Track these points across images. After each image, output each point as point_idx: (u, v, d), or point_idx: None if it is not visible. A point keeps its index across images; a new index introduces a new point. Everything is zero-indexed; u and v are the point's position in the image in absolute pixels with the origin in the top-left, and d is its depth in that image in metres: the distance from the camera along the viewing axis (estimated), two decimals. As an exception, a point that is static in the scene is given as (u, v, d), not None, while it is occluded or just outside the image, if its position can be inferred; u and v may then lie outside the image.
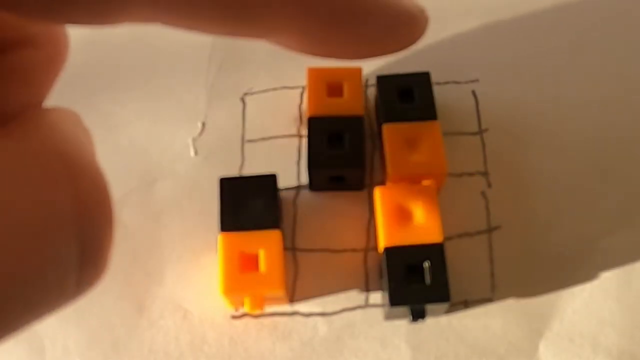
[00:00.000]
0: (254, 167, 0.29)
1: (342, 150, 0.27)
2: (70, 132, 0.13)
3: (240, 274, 0.24)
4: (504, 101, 0.30)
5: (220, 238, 0.25)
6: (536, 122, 0.30)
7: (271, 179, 0.26)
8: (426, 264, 0.24)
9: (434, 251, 0.24)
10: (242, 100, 0.30)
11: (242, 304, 0.25)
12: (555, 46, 0.32)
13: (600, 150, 0.29)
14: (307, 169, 0.27)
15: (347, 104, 0.28)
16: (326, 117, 0.27)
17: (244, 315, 0.26)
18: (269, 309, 0.26)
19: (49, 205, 0.11)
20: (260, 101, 0.30)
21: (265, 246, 0.24)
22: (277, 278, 0.24)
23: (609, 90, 0.30)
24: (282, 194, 0.28)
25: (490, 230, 0.27)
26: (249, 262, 0.24)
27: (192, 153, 0.29)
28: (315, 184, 0.28)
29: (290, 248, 0.27)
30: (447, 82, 0.30)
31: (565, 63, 0.31)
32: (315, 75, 0.28)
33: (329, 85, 0.28)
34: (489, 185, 0.28)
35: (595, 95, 0.30)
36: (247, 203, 0.25)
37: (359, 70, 0.28)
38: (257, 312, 0.25)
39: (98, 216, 0.13)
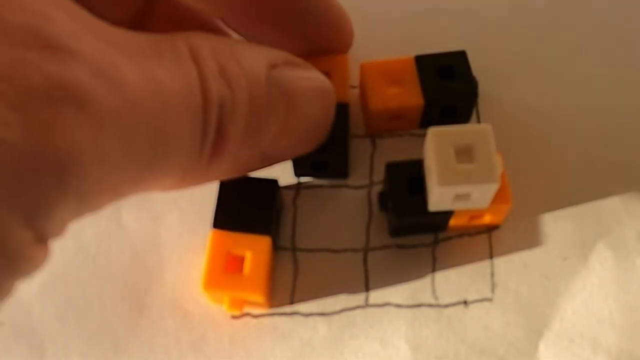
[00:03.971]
0: (254, 167, 0.29)
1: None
2: None
3: (224, 273, 0.24)
4: (504, 101, 0.30)
5: (210, 234, 0.25)
6: (537, 122, 0.30)
7: (272, 184, 0.26)
8: None
9: None
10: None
11: (222, 302, 0.25)
12: (556, 46, 0.32)
13: (601, 149, 0.29)
14: None
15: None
16: None
17: (244, 315, 0.26)
18: (269, 310, 0.26)
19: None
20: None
21: (253, 250, 0.24)
22: (258, 283, 0.24)
23: (611, 90, 0.30)
24: (282, 193, 0.28)
25: (490, 230, 0.27)
26: (234, 263, 0.25)
27: (192, 153, 0.29)
28: (298, 170, 0.28)
29: (290, 248, 0.27)
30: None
31: (567, 63, 0.31)
32: None
33: None
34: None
35: (597, 95, 0.30)
36: (243, 204, 0.25)
37: (345, 58, 0.28)
38: (235, 312, 0.26)
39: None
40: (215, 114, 0.17)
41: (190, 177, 0.18)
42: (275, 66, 0.20)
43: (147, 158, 0.15)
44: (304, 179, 0.29)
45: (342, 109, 0.27)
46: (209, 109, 0.17)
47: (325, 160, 0.27)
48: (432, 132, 0.23)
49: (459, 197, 0.24)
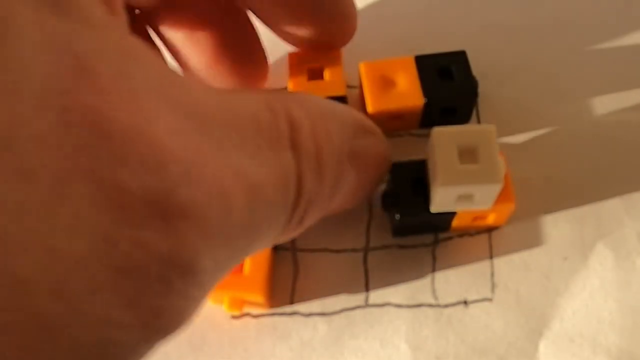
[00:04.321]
0: (254, 167, 0.29)
1: None
2: None
3: None
4: (504, 101, 0.30)
5: None
6: (536, 122, 0.30)
7: None
8: None
9: None
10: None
11: (222, 302, 0.25)
12: (557, 46, 0.32)
13: (601, 149, 0.29)
14: None
15: (328, 85, 0.28)
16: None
17: (244, 315, 0.26)
18: (269, 309, 0.26)
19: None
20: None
21: None
22: (259, 284, 0.24)
23: (611, 89, 0.30)
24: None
25: (490, 230, 0.27)
26: None
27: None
28: None
29: (290, 248, 0.27)
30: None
31: (567, 63, 0.31)
32: (295, 59, 0.28)
33: (309, 70, 0.28)
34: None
35: (597, 95, 0.30)
36: None
37: (339, 53, 0.28)
38: (235, 312, 0.26)
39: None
40: (303, 207, 0.17)
41: (276, 240, 0.19)
42: (357, 136, 0.20)
43: (242, 249, 0.15)
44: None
45: (340, 102, 0.27)
46: (298, 205, 0.16)
47: None
48: (436, 132, 0.23)
49: (461, 197, 0.24)
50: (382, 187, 0.28)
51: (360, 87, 0.28)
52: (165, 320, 0.13)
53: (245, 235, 0.15)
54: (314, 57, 0.28)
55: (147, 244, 0.12)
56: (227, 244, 0.14)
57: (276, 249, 0.27)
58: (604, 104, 0.30)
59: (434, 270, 0.27)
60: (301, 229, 0.19)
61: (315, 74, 0.28)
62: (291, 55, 0.28)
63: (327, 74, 0.28)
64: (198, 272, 0.13)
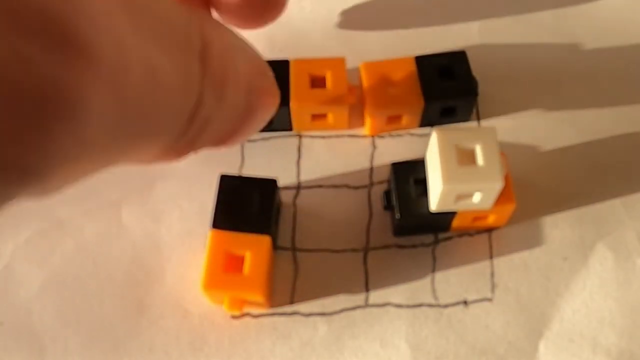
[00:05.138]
0: (254, 167, 0.29)
1: None
2: None
3: (223, 273, 0.24)
4: (504, 101, 0.30)
5: (210, 234, 0.25)
6: (536, 122, 0.30)
7: (271, 183, 0.26)
8: None
9: None
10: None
11: (222, 303, 0.25)
12: (556, 46, 0.32)
13: (601, 150, 0.29)
14: None
15: (330, 93, 0.28)
16: None
17: (244, 315, 0.26)
18: (269, 309, 0.26)
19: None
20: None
21: (253, 250, 0.24)
22: (258, 283, 0.24)
23: (610, 90, 0.30)
24: (282, 193, 0.28)
25: (490, 230, 0.27)
26: (234, 263, 0.25)
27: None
28: None
29: (290, 248, 0.27)
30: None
31: (566, 63, 0.31)
32: (298, 66, 0.28)
33: (312, 77, 0.28)
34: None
35: (596, 95, 0.30)
36: (243, 204, 0.25)
37: (342, 60, 0.28)
38: (235, 312, 0.26)
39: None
40: (199, 124, 0.17)
41: (166, 154, 0.17)
42: (258, 78, 0.20)
43: (135, 128, 0.15)
44: (304, 179, 0.29)
45: (281, 66, 0.28)
46: (195, 119, 0.16)
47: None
48: (437, 132, 0.23)
49: (462, 197, 0.24)
50: (384, 187, 0.28)
51: (361, 87, 0.28)
52: (27, 161, 0.11)
53: (137, 115, 0.14)
54: (318, 64, 0.28)
55: (30, 60, 0.11)
56: (118, 109, 0.13)
57: (276, 248, 0.27)
58: (606, 103, 0.30)
59: (434, 270, 0.27)
60: (190, 150, 0.18)
61: (318, 82, 0.28)
62: (293, 63, 0.28)
63: (329, 82, 0.28)
64: (79, 118, 0.12)
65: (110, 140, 0.13)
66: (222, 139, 0.20)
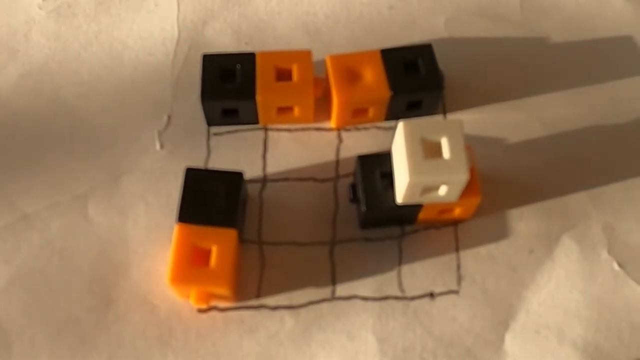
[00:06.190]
0: (220, 160, 0.29)
1: (233, 83, 0.27)
2: None
3: (190, 267, 0.24)
4: (471, 94, 0.30)
5: (175, 228, 0.25)
6: (503, 115, 0.30)
7: (237, 176, 0.26)
8: None
9: None
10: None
11: (189, 297, 0.25)
12: (524, 38, 0.32)
13: (568, 143, 0.29)
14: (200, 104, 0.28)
15: (296, 86, 0.28)
16: (221, 54, 0.28)
17: (211, 309, 0.26)
18: (236, 303, 0.26)
19: None
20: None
21: (219, 243, 0.24)
22: (225, 276, 0.24)
23: (578, 83, 0.31)
24: (248, 187, 0.28)
25: (456, 223, 0.27)
26: (201, 257, 0.24)
27: (157, 146, 0.29)
28: (209, 119, 0.29)
29: (256, 241, 0.27)
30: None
31: (534, 55, 0.31)
32: (264, 59, 0.28)
33: (278, 70, 0.28)
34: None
35: (563, 88, 0.30)
36: (209, 197, 0.25)
37: (308, 53, 0.28)
38: (202, 306, 0.26)
39: None
40: None
41: None
42: None
43: None
44: (270, 172, 0.29)
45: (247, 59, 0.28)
46: None
47: (235, 106, 0.28)
48: (404, 124, 0.23)
49: (427, 190, 0.24)
50: (350, 180, 0.28)
51: (327, 79, 0.28)
52: None
53: None
54: (284, 56, 0.28)
55: None
56: None
57: (242, 242, 0.27)
58: (572, 97, 0.30)
59: (400, 263, 0.27)
60: None
61: (284, 75, 0.28)
62: (259, 55, 0.28)
63: (295, 75, 0.28)
64: None
65: None
66: None
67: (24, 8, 0.33)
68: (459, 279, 0.26)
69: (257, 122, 0.29)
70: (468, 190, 0.25)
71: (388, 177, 0.25)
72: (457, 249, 0.27)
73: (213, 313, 0.26)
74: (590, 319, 0.26)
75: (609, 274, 0.26)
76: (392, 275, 0.26)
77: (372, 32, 0.32)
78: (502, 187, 0.28)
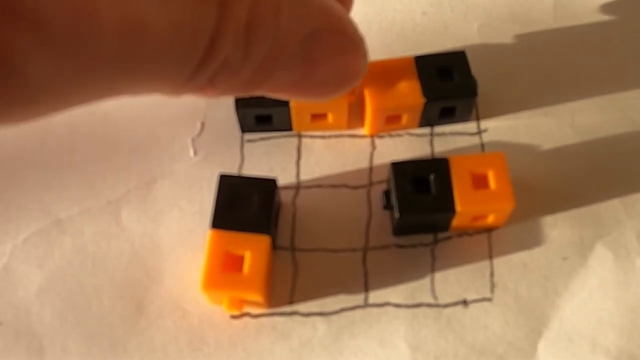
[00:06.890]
0: (254, 166, 0.29)
1: None
2: None
3: (223, 273, 0.24)
4: (504, 101, 0.30)
5: (209, 234, 0.25)
6: (536, 122, 0.30)
7: (271, 183, 0.26)
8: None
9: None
10: (242, 99, 0.30)
11: (221, 303, 0.25)
12: (556, 46, 0.32)
13: (600, 150, 0.29)
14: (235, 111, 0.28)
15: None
16: None
17: (243, 315, 0.26)
18: (268, 309, 0.26)
19: None
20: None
21: (253, 250, 0.24)
22: (258, 283, 0.24)
23: (610, 90, 0.30)
24: (282, 193, 0.28)
25: (489, 230, 0.27)
26: (234, 263, 0.25)
27: (191, 153, 0.29)
28: (243, 125, 0.29)
29: (289, 248, 0.27)
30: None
31: (566, 62, 0.31)
32: None
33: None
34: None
35: (596, 95, 0.30)
36: (242, 203, 0.25)
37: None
38: (234, 312, 0.26)
39: None
40: (213, 69, 0.16)
41: (183, 89, 0.17)
42: (317, 33, 0.18)
43: (112, 64, 0.14)
44: (304, 179, 0.29)
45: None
46: (207, 65, 0.15)
47: (269, 113, 0.28)
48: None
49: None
50: (383, 186, 0.28)
51: (361, 86, 0.28)
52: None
53: (115, 64, 0.14)
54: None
55: None
56: (77, 61, 0.13)
57: (275, 248, 0.27)
58: (606, 103, 0.30)
59: (433, 270, 0.27)
60: (216, 91, 0.17)
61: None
62: None
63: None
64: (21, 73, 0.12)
65: (74, 75, 0.13)
66: (279, 87, 0.18)
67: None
68: (492, 287, 0.26)
69: (290, 129, 0.29)
70: (501, 197, 0.25)
71: (422, 183, 0.25)
72: (490, 256, 0.27)
73: (245, 319, 0.26)
74: (624, 327, 0.25)
75: (643, 282, 0.26)
76: (425, 282, 0.26)
77: (404, 38, 0.32)
78: (535, 194, 0.28)
